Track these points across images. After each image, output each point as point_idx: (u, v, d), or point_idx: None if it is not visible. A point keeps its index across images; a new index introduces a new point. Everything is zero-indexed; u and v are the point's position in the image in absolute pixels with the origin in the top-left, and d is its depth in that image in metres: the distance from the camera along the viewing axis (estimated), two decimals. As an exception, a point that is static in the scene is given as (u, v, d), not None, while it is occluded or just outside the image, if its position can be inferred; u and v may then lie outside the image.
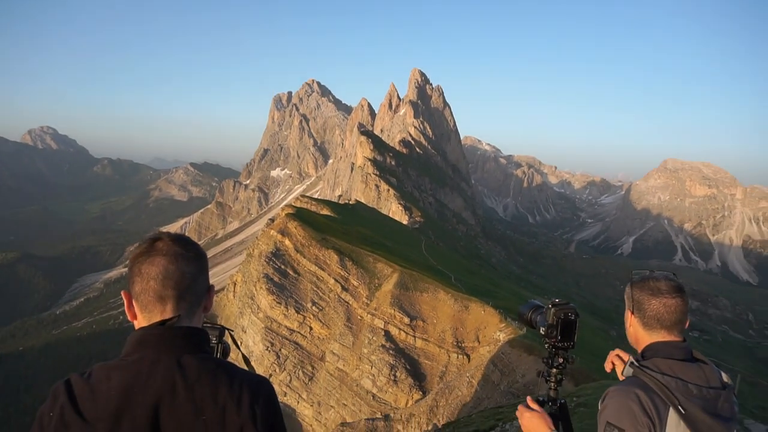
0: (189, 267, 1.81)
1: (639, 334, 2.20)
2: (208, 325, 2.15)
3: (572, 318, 2.56)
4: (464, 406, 34.81)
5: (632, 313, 2.20)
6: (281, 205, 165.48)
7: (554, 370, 2.62)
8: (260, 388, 1.81)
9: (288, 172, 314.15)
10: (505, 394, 31.89)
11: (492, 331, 42.86)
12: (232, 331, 2.34)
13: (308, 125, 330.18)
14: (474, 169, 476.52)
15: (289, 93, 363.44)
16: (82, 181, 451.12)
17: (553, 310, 2.56)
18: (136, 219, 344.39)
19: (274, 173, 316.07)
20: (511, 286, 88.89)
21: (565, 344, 2.57)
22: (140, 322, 1.84)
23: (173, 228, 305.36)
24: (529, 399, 2.55)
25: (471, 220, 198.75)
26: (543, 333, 2.63)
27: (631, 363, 2.12)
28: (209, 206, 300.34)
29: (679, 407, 1.90)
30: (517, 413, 2.56)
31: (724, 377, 2.08)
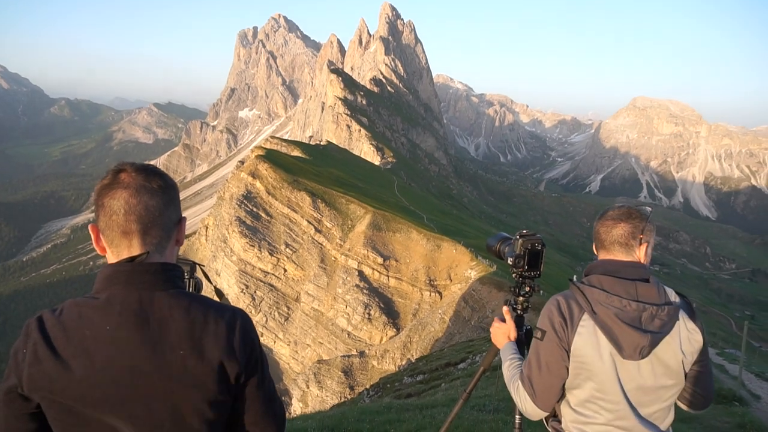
0: (153, 200, 1.72)
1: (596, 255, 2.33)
2: (181, 260, 2.06)
3: (539, 248, 2.63)
4: (436, 341, 36.06)
5: (594, 242, 2.33)
6: (251, 147, 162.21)
7: (521, 298, 2.71)
8: (235, 318, 1.75)
9: (257, 112, 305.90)
10: (476, 329, 33.07)
11: (463, 269, 43.90)
12: (204, 265, 2.13)
13: (276, 63, 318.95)
14: (446, 108, 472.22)
15: (255, 28, 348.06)
16: (40, 122, 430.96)
17: (520, 240, 2.64)
18: (100, 162, 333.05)
19: (242, 114, 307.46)
20: (483, 225, 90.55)
21: (532, 273, 2.67)
22: (109, 257, 1.77)
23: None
24: (504, 309, 2.66)
25: (443, 160, 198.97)
26: (511, 263, 2.70)
27: (570, 279, 2.25)
28: (176, 148, 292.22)
29: (592, 310, 2.03)
30: (493, 325, 2.70)
31: (671, 296, 2.14)
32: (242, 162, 79.90)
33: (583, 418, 2.14)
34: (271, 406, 1.81)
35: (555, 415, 2.29)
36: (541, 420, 2.32)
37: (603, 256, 2.25)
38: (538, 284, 2.75)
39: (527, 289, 2.71)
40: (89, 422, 1.59)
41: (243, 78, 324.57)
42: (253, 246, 52.27)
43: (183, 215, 1.92)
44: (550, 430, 2.31)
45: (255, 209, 54.78)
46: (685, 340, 2.11)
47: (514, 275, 2.73)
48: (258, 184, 56.39)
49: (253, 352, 1.76)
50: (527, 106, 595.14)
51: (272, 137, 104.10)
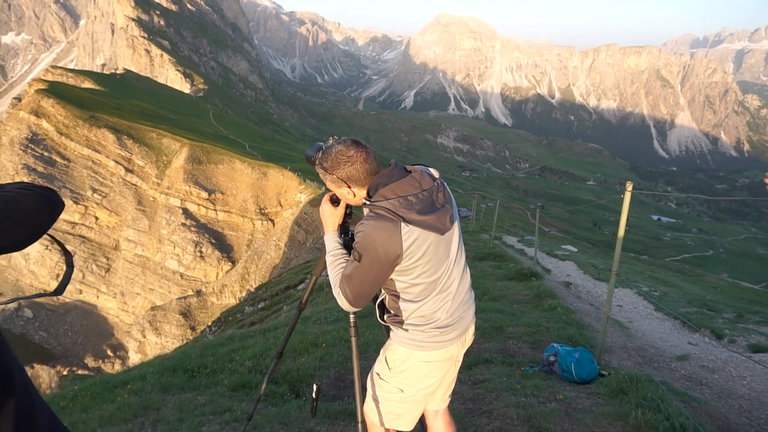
0: None
1: (361, 193, 2.33)
2: None
3: None
4: (274, 267, 36.38)
5: (350, 187, 2.31)
6: (27, 80, 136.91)
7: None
8: None
9: (27, 37, 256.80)
10: (312, 251, 34.00)
11: (293, 194, 44.02)
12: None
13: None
14: (256, 27, 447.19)
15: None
16: None
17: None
18: None
19: (6, 39, 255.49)
20: (306, 149, 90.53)
21: None
22: None
23: None
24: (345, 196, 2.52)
25: (259, 84, 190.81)
26: None
27: (364, 203, 2.32)
28: None
29: (405, 219, 2.18)
30: (323, 200, 2.65)
31: (435, 173, 2.39)
32: (18, 99, 67.51)
33: (418, 304, 2.36)
34: None
35: (389, 312, 2.45)
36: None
37: (364, 186, 2.31)
38: None
39: None
40: None
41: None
42: (51, 196, 45.78)
43: None
44: (388, 323, 2.48)
45: (46, 153, 47.44)
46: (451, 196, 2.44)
47: None
48: (45, 123, 48.53)
49: None
50: (339, 24, 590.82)
51: (54, 67, 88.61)
